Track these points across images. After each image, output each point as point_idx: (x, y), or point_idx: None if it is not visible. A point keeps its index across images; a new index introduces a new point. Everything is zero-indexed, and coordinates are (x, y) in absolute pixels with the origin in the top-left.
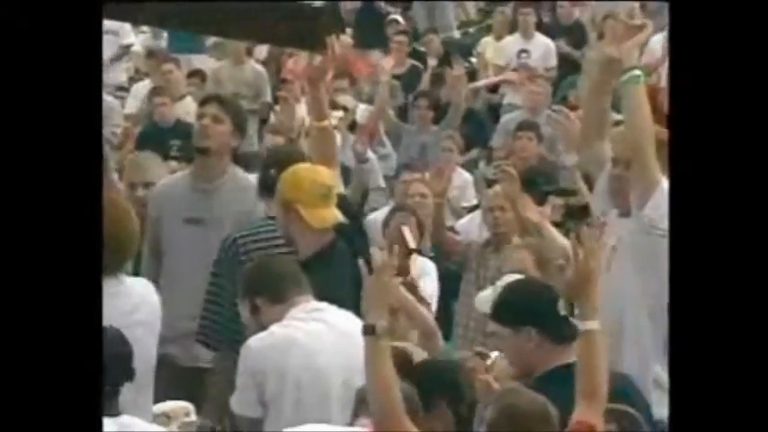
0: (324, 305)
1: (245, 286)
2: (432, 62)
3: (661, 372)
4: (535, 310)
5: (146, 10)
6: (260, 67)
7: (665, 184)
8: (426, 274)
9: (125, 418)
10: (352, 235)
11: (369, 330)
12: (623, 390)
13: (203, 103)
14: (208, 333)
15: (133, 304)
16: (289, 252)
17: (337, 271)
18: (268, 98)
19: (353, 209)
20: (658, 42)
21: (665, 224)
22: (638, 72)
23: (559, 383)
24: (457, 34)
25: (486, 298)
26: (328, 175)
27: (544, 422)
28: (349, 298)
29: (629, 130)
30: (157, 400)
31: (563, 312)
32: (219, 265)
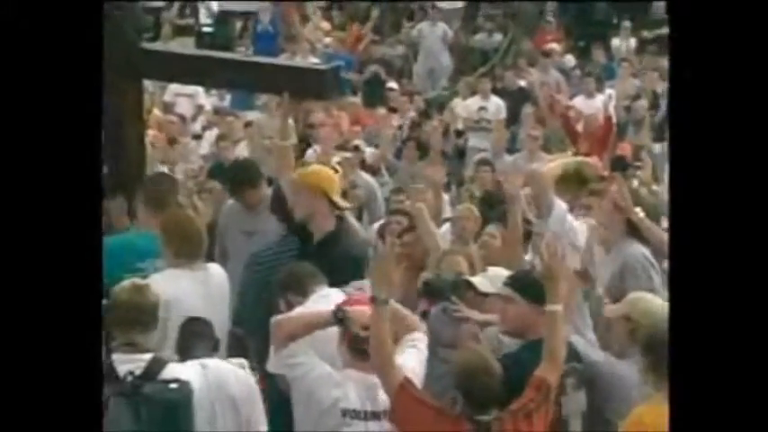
0: (331, 290)
1: (279, 287)
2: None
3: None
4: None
5: (208, 77)
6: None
7: (561, 204)
8: None
9: (208, 359)
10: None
11: (373, 300)
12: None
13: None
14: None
15: (213, 284)
16: (295, 254)
17: (344, 245)
18: (294, 141)
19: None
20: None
21: (563, 231)
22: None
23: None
24: (435, 95)
25: (480, 282)
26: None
27: (486, 373)
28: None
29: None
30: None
31: None
32: (244, 273)
